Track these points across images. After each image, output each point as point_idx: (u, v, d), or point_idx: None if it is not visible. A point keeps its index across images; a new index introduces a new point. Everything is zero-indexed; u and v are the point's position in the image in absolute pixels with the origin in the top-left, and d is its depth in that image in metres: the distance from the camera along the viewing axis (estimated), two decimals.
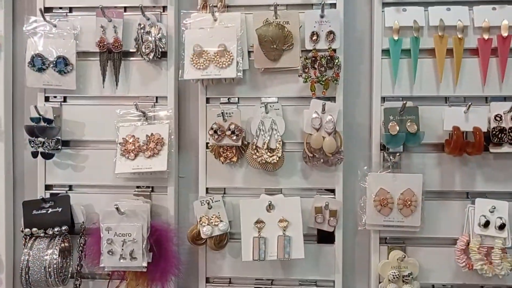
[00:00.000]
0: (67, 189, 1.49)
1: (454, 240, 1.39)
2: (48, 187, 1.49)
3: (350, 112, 1.46)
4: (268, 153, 1.38)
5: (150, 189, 1.47)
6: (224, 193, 1.46)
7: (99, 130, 1.48)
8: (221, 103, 1.45)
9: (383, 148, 1.41)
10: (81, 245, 1.44)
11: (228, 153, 1.42)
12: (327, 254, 1.43)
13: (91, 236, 1.41)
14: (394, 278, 1.35)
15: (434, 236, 1.41)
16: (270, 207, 1.38)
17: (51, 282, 1.37)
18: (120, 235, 1.34)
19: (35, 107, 1.41)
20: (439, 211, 1.41)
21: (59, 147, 1.47)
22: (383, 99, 1.41)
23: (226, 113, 1.38)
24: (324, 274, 1.44)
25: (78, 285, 1.45)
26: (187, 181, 1.51)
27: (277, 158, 1.37)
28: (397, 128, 1.34)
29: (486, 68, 1.38)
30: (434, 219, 1.41)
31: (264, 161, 1.37)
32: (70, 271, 1.45)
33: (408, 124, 1.34)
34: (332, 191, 1.43)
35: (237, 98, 1.45)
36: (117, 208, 1.32)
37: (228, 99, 1.45)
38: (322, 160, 1.39)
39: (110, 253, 1.34)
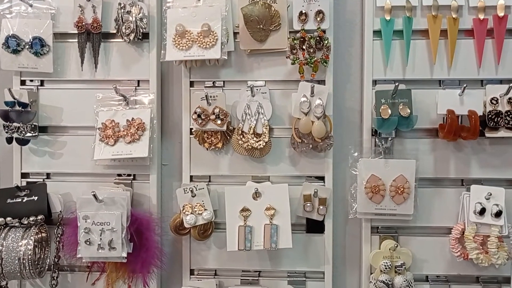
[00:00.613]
0: (45, 177, 1.42)
1: (448, 229, 1.34)
2: (24, 175, 1.42)
3: (340, 96, 1.40)
4: (255, 138, 1.32)
5: (132, 177, 1.41)
6: (209, 181, 1.40)
7: (77, 115, 1.41)
8: (205, 86, 1.39)
9: (374, 133, 1.36)
10: (59, 235, 1.37)
11: (213, 138, 1.36)
12: (317, 244, 1.37)
13: (69, 226, 1.35)
14: (386, 268, 1.29)
15: (428, 225, 1.36)
16: (256, 194, 1.31)
17: (25, 274, 1.30)
18: (98, 224, 1.27)
19: (9, 90, 1.34)
20: (433, 199, 1.35)
21: (36, 133, 1.40)
22: (375, 82, 1.35)
23: (210, 97, 1.32)
24: (313, 265, 1.38)
25: (55, 278, 1.38)
26: (170, 169, 1.45)
27: (264, 143, 1.31)
28: (389, 111, 1.28)
29: (481, 50, 1.32)
30: (428, 208, 1.35)
31: (250, 147, 1.31)
32: (47, 262, 1.38)
33: (401, 107, 1.28)
34: (322, 178, 1.37)
35: (222, 82, 1.38)
36: (94, 196, 1.25)
37: (213, 82, 1.39)
38: (311, 146, 1.33)
39: (88, 243, 1.27)
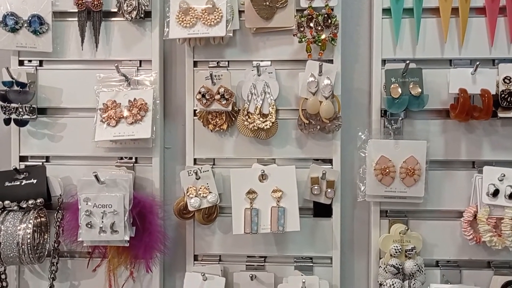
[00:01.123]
0: (44, 160, 1.38)
1: (459, 213, 1.30)
2: (22, 159, 1.38)
3: (348, 76, 1.36)
4: (261, 119, 1.28)
5: (134, 160, 1.36)
6: (214, 164, 1.36)
7: (78, 96, 1.37)
8: (209, 66, 1.34)
9: (383, 114, 1.32)
10: (58, 220, 1.33)
11: (218, 120, 1.32)
12: (324, 229, 1.34)
13: (69, 211, 1.31)
14: (396, 252, 1.25)
15: (438, 209, 1.32)
16: (262, 176, 1.27)
17: (25, 259, 1.26)
18: (99, 206, 1.23)
19: (7, 69, 1.30)
20: (444, 182, 1.31)
21: (35, 116, 1.36)
22: (384, 61, 1.32)
23: (215, 76, 1.28)
24: (320, 250, 1.34)
25: (55, 263, 1.34)
26: (173, 152, 1.41)
27: (271, 124, 1.27)
28: (400, 90, 1.24)
29: (493, 28, 1.29)
30: (438, 191, 1.31)
31: (256, 127, 1.27)
32: (47, 248, 1.35)
33: (411, 86, 1.25)
34: (329, 161, 1.33)
35: (226, 62, 1.35)
36: (96, 177, 1.21)
37: (217, 62, 1.35)
38: (318, 127, 1.29)
39: (89, 226, 1.23)
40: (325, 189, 1.30)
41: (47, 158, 1.39)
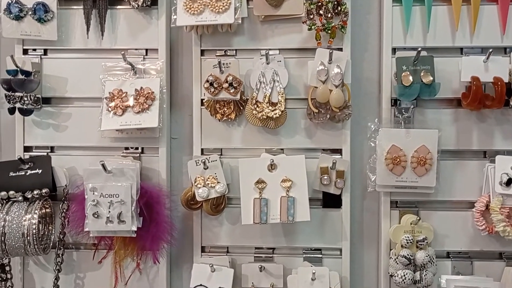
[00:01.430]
0: (48, 150, 1.36)
1: (471, 203, 1.29)
2: (27, 149, 1.36)
3: (358, 65, 1.34)
4: (270, 107, 1.26)
5: (140, 150, 1.34)
6: (221, 154, 1.34)
7: (83, 85, 1.35)
8: (217, 55, 1.32)
9: (394, 103, 1.30)
10: (64, 211, 1.31)
11: (226, 109, 1.30)
12: (333, 220, 1.32)
13: (74, 202, 1.28)
14: (407, 243, 1.23)
15: (449, 199, 1.30)
16: (272, 166, 1.26)
17: (30, 250, 1.24)
18: (106, 196, 1.21)
19: (12, 57, 1.28)
20: (455, 172, 1.30)
21: (39, 105, 1.34)
22: (394, 50, 1.29)
23: (223, 64, 1.26)
24: (330, 241, 1.32)
25: (60, 255, 1.32)
26: (180, 143, 1.39)
27: (280, 112, 1.25)
28: (411, 78, 1.22)
29: (505, 16, 1.27)
30: (449, 181, 1.30)
31: (265, 116, 1.25)
32: (52, 239, 1.33)
33: (422, 74, 1.23)
34: (338, 151, 1.31)
35: (234, 51, 1.32)
36: (103, 165, 1.19)
37: (224, 51, 1.33)
38: (328, 116, 1.27)
39: (96, 215, 1.21)
40: (334, 179, 1.28)
41: (52, 149, 1.36)
